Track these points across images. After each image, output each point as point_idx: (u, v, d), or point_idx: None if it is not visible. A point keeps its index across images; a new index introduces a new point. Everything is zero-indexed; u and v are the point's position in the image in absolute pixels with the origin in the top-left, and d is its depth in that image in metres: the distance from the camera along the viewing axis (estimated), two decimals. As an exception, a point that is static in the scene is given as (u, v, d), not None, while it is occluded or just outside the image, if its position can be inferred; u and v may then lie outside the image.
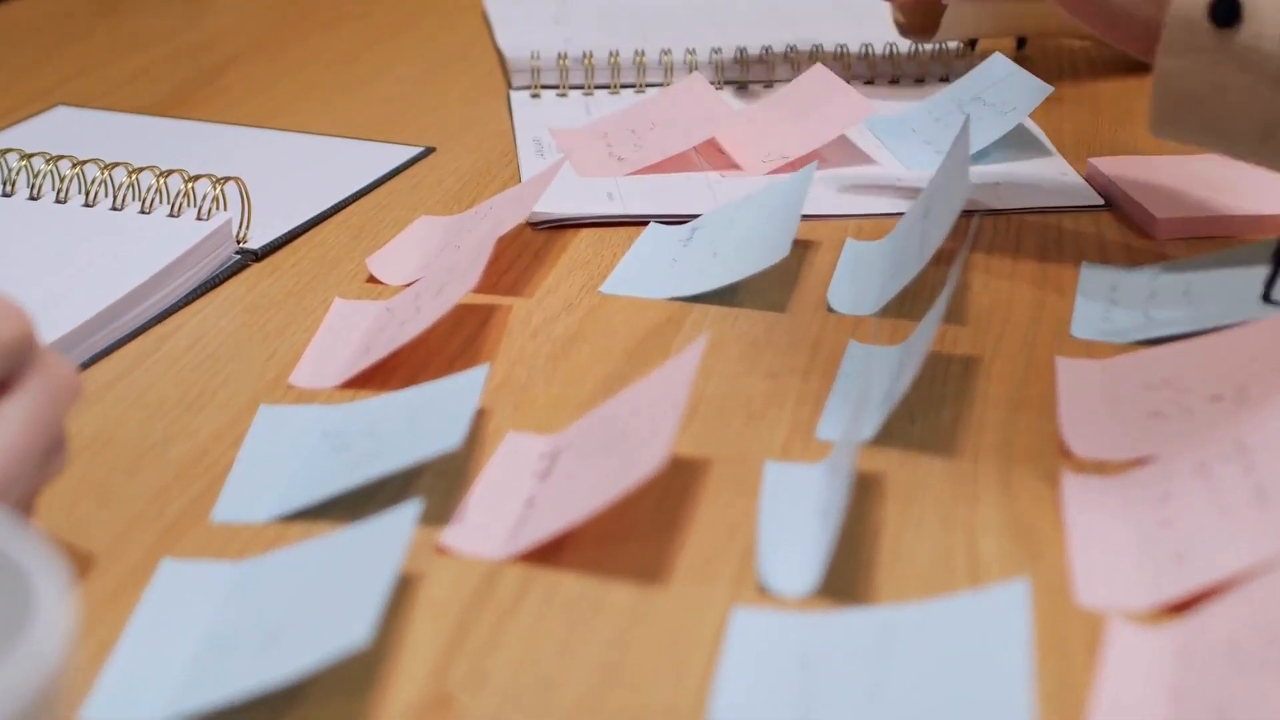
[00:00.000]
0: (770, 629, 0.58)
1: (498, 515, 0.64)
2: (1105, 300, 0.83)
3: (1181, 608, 0.58)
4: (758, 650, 0.57)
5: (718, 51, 1.15)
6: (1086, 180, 0.97)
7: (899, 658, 0.55)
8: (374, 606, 0.53)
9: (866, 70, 1.15)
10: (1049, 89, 0.99)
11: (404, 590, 0.60)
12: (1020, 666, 0.54)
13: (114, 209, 0.88)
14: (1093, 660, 0.56)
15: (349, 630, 0.52)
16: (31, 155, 0.92)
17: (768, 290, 0.84)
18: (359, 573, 0.56)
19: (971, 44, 1.18)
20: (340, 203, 0.95)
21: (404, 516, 0.59)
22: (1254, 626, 0.54)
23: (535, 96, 1.14)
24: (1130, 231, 0.91)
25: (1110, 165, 0.97)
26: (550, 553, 0.62)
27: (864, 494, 0.66)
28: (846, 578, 0.60)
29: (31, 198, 0.90)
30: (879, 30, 1.20)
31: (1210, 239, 0.89)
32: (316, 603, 0.56)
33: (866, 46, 1.16)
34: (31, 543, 0.37)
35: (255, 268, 0.87)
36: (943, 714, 0.52)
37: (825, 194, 0.95)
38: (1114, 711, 0.53)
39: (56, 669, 0.34)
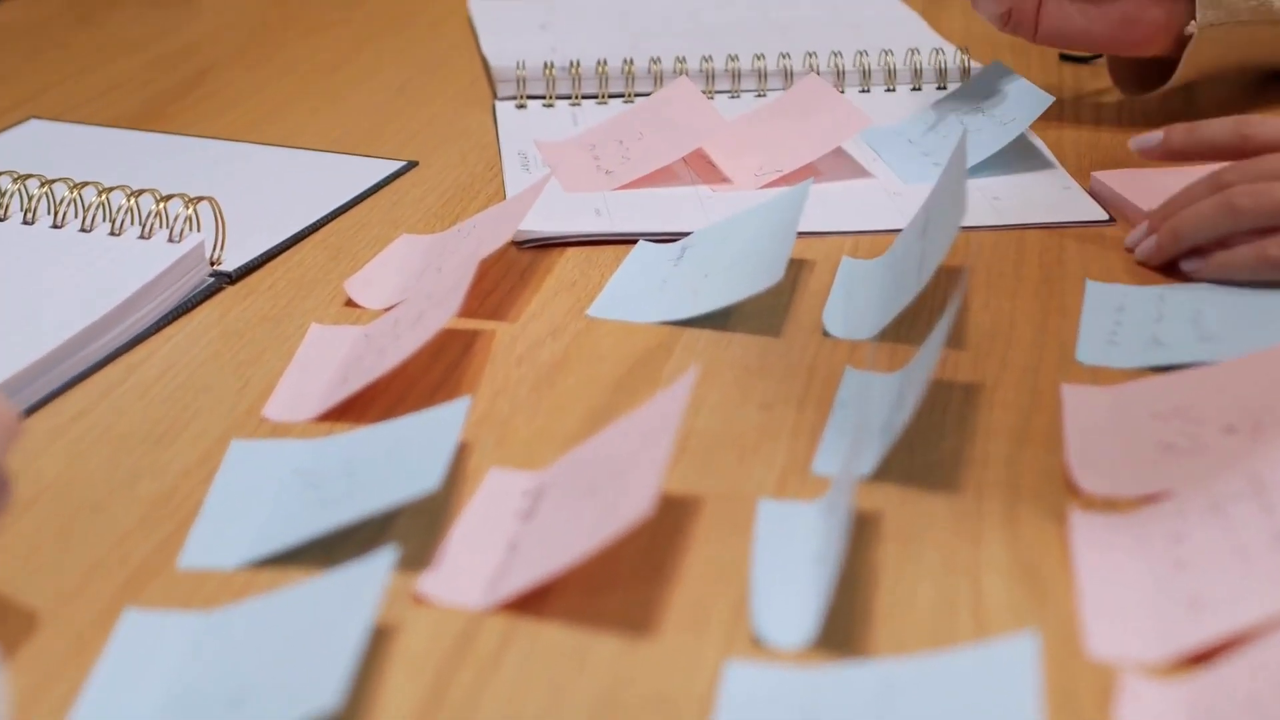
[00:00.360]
0: (765, 684, 0.55)
1: (478, 560, 0.61)
2: (1111, 321, 0.80)
3: (1198, 660, 0.55)
4: (752, 707, 0.54)
5: (708, 60, 1.12)
6: (1090, 194, 0.94)
7: (901, 713, 0.52)
8: (344, 668, 0.50)
9: (861, 79, 1.12)
10: (1050, 99, 0.97)
11: (379, 642, 0.57)
12: (1029, 725, 0.51)
13: (83, 230, 0.85)
14: (1105, 717, 0.53)
15: (318, 693, 0.50)
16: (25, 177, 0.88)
17: (761, 313, 0.81)
18: (330, 627, 0.53)
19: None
20: (319, 221, 0.92)
21: (378, 566, 0.56)
22: (1277, 682, 0.51)
23: (521, 107, 1.11)
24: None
25: (1116, 179, 0.94)
26: (533, 601, 0.59)
27: (862, 534, 0.63)
28: (845, 627, 0.57)
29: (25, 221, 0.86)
30: (874, 37, 1.17)
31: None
32: (285, 661, 0.53)
33: (861, 54, 1.13)
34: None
35: (230, 290, 0.84)
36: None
37: (820, 209, 0.92)
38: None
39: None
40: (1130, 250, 0.86)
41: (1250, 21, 0.97)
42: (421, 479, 0.61)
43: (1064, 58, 1.19)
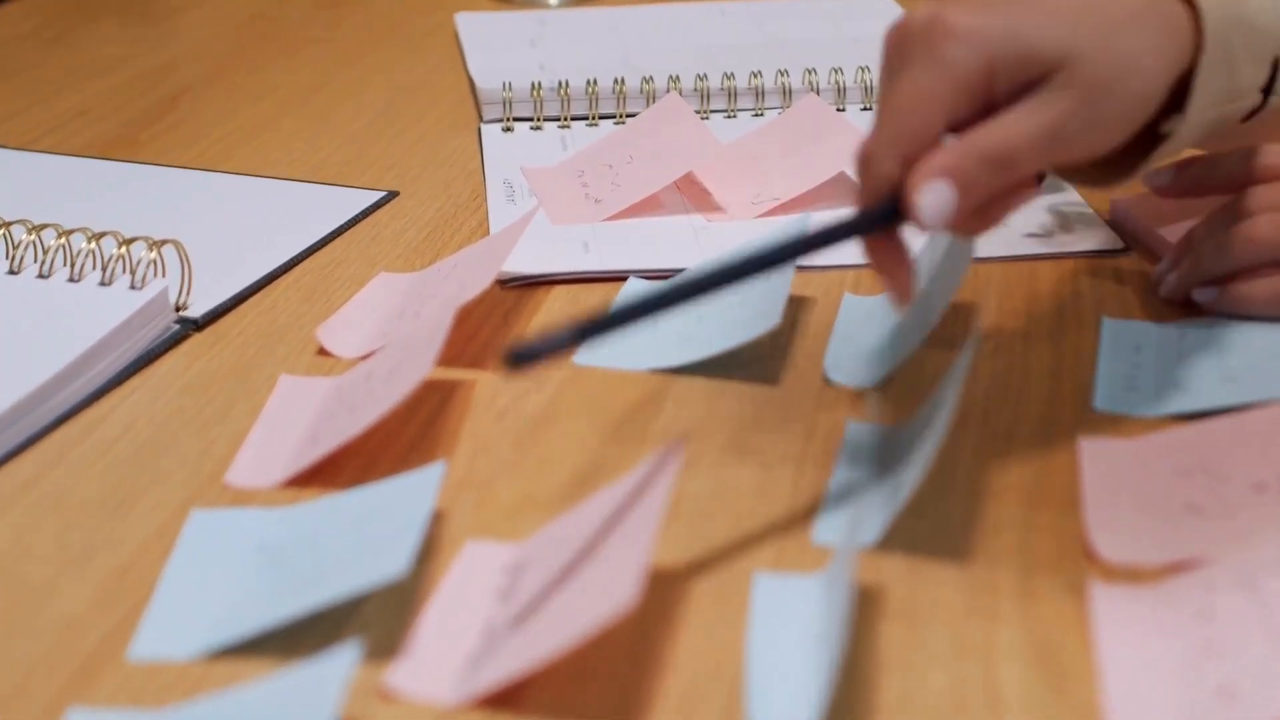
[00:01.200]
0: (761, 791, 0.50)
1: (452, 648, 0.57)
2: (1129, 364, 0.75)
3: (1231, 758, 0.51)
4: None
5: (703, 79, 1.07)
6: (1108, 221, 0.89)
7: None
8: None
9: (863, 96, 1.08)
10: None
11: (342, 747, 0.52)
12: None
13: (41, 276, 0.81)
14: (1133, 825, 0.49)
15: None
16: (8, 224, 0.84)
17: (757, 359, 0.76)
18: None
19: None
20: (292, 259, 0.87)
21: (339, 664, 0.51)
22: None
23: (508, 130, 1.06)
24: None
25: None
26: (510, 695, 0.54)
27: (866, 613, 0.58)
28: (848, 722, 0.53)
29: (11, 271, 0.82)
30: (877, 52, 1.12)
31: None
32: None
33: (863, 70, 1.08)
34: None
35: (196, 338, 0.80)
36: None
37: (820, 240, 0.87)
38: None
39: None
40: (1155, 285, 0.81)
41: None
42: (389, 563, 0.57)
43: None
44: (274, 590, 0.59)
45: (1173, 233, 0.84)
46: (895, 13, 1.25)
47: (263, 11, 1.38)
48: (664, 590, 0.60)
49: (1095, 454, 0.68)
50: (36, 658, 0.57)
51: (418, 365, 0.69)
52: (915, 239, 0.64)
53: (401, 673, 0.55)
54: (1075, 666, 0.55)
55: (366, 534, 0.60)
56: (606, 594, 0.53)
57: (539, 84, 1.07)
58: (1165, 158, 0.67)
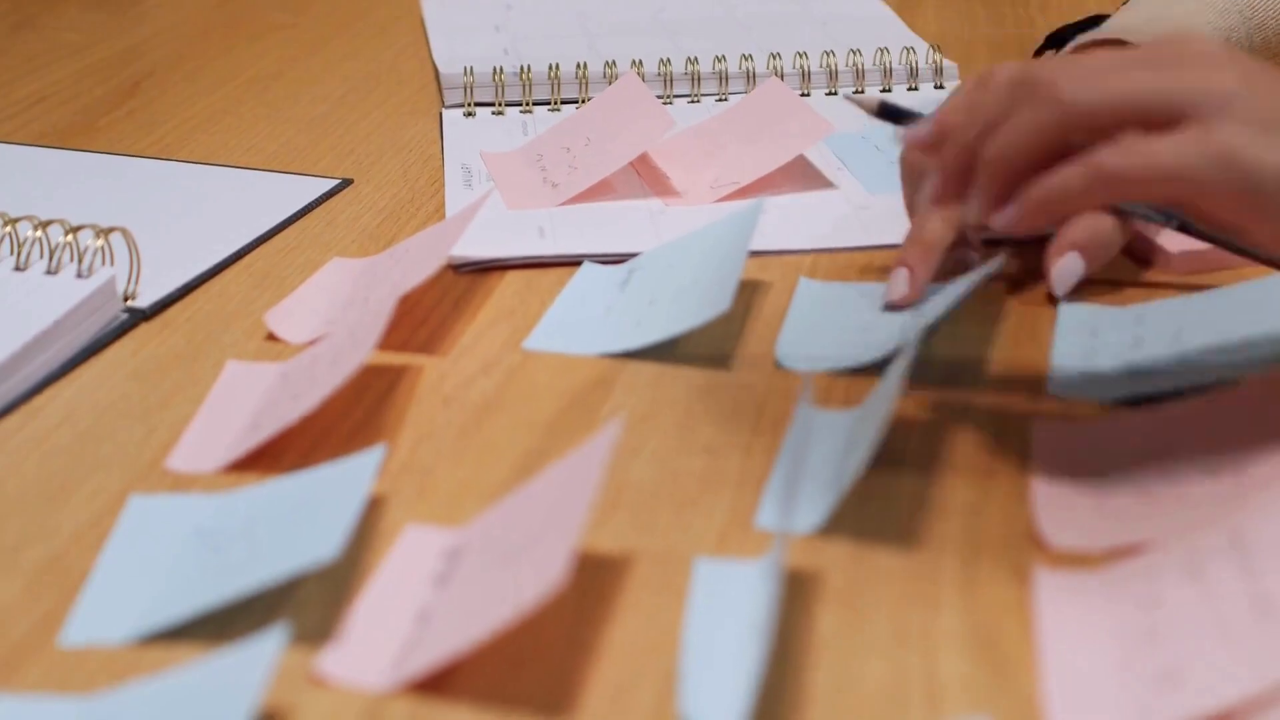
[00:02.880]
0: (692, 779, 0.49)
1: (385, 633, 0.56)
2: (1085, 347, 0.74)
3: (1173, 744, 0.50)
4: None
5: (667, 63, 1.06)
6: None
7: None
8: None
9: (828, 80, 1.07)
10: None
11: (269, 737, 0.51)
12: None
13: (-13, 264, 0.80)
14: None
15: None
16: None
17: (709, 342, 0.75)
18: (214, 714, 0.48)
19: None
20: (244, 247, 0.86)
21: (266, 648, 0.50)
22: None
23: (469, 115, 1.05)
24: (1111, 267, 0.82)
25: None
26: (442, 681, 0.53)
27: (805, 599, 0.57)
28: (780, 710, 0.52)
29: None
30: (843, 35, 1.11)
31: (1211, 273, 0.81)
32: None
33: (828, 54, 1.07)
34: None
35: (144, 326, 0.79)
36: None
37: (777, 225, 0.86)
38: None
39: None
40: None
41: None
42: (321, 545, 0.56)
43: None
44: (209, 575, 0.58)
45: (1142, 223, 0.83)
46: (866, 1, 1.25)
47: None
48: (603, 577, 0.59)
49: (1047, 437, 0.67)
50: (-36, 645, 0.56)
51: (358, 350, 0.68)
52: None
53: (332, 658, 0.55)
54: (1016, 654, 0.54)
55: (302, 518, 0.60)
56: (537, 576, 0.52)
57: (501, 69, 1.06)
58: None
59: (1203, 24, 0.86)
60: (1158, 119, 0.58)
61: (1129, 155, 0.58)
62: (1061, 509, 0.62)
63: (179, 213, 0.90)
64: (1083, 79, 0.59)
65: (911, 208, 0.80)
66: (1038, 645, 0.55)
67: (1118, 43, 0.83)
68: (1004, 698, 0.52)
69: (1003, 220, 0.61)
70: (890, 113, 0.73)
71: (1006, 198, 0.61)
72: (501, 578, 0.55)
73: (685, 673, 0.54)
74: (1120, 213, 0.76)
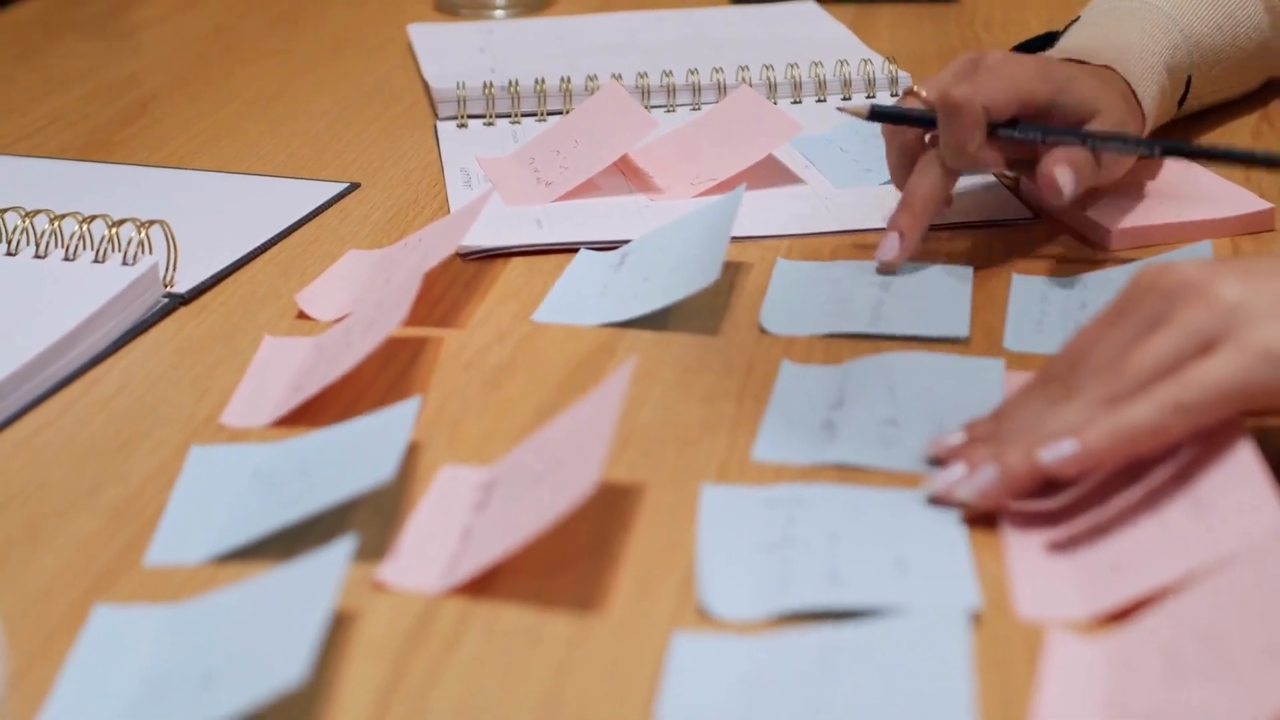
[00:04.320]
0: (711, 653, 0.57)
1: (434, 549, 0.64)
2: (1037, 311, 0.83)
3: (1119, 617, 0.58)
4: (699, 674, 0.56)
5: (644, 76, 1.15)
6: (1021, 194, 0.97)
7: (842, 678, 0.55)
8: (308, 645, 0.53)
9: (793, 91, 1.16)
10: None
11: (340, 628, 0.59)
12: (962, 683, 0.53)
13: (38, 257, 0.87)
14: (1033, 672, 0.56)
15: (284, 669, 0.52)
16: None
17: (699, 313, 0.84)
18: (294, 612, 0.56)
19: None
20: (268, 241, 0.94)
21: (338, 554, 0.58)
22: (1191, 634, 0.54)
23: (462, 126, 1.13)
24: (1059, 245, 0.91)
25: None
26: (487, 584, 0.61)
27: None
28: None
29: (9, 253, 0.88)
30: (806, 51, 1.20)
31: (1149, 247, 0.89)
32: (252, 643, 0.55)
33: (792, 66, 1.16)
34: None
35: (183, 310, 0.87)
36: (888, 731, 0.52)
37: (755, 215, 0.95)
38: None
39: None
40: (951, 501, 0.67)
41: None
42: (376, 471, 0.64)
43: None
44: (271, 506, 0.66)
45: (1083, 202, 0.92)
46: (821, 17, 1.34)
47: (221, 27, 1.45)
48: (621, 501, 0.67)
49: (1012, 382, 0.75)
50: (57, 570, 0.64)
51: (390, 318, 0.76)
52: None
53: (389, 569, 0.62)
54: (986, 549, 0.63)
55: (353, 454, 0.67)
56: (569, 485, 0.60)
57: (491, 83, 1.14)
58: None
59: (1149, 43, 0.95)
60: (1194, 358, 0.63)
61: (1193, 388, 0.62)
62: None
63: (203, 213, 0.98)
64: (1119, 370, 0.64)
65: (897, 175, 0.90)
66: (1004, 541, 0.63)
67: (1079, 62, 0.92)
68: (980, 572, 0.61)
69: (1062, 453, 0.63)
70: (881, 115, 0.86)
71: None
72: (535, 493, 0.63)
73: (701, 573, 0.62)
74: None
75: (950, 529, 0.64)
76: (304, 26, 1.44)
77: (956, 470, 0.65)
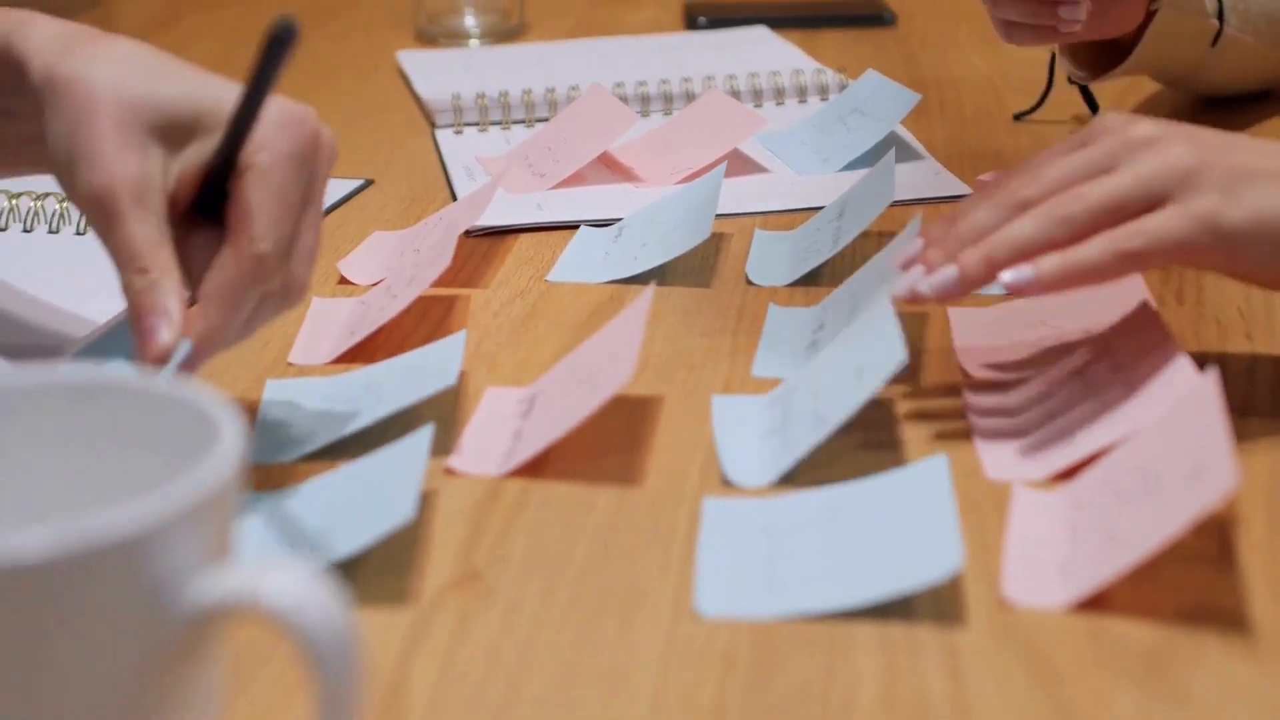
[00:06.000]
0: (736, 511, 0.69)
1: (491, 445, 0.75)
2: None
3: (1070, 475, 0.71)
4: (727, 525, 0.68)
5: (620, 86, 1.28)
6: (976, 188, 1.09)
7: (847, 519, 0.67)
8: (413, 491, 0.64)
9: (754, 97, 1.29)
10: (917, 96, 1.13)
11: (423, 503, 0.70)
12: (949, 517, 0.65)
13: (78, 234, 0.99)
14: (1003, 518, 0.68)
15: (397, 511, 0.63)
16: (18, 195, 1.01)
17: (691, 272, 0.96)
18: (394, 474, 0.67)
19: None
20: (299, 225, 1.06)
21: (422, 434, 0.70)
22: (1130, 473, 0.66)
23: (459, 133, 1.26)
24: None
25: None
26: (540, 469, 0.73)
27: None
28: (793, 471, 0.72)
29: (25, 230, 0.99)
30: (762, 62, 1.33)
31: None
32: (362, 500, 0.67)
33: (753, 75, 1.29)
34: (213, 397, 0.48)
35: (234, 279, 0.98)
36: (889, 555, 0.64)
37: (730, 197, 1.07)
38: (1024, 546, 0.66)
39: (235, 469, 0.45)
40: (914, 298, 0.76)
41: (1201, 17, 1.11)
42: (440, 378, 0.76)
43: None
44: (346, 416, 0.77)
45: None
46: (772, 40, 1.47)
47: (208, 55, 1.56)
48: (644, 409, 0.79)
49: (961, 317, 0.88)
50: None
51: (434, 266, 0.88)
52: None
53: (456, 459, 0.74)
54: (957, 436, 0.75)
55: (413, 372, 0.79)
56: (611, 376, 0.72)
57: (484, 94, 1.26)
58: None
59: None
60: (1142, 206, 0.73)
61: (1137, 237, 0.72)
62: (978, 353, 0.83)
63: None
64: (1073, 195, 0.73)
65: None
66: (971, 427, 0.76)
67: None
68: (949, 452, 0.73)
69: (1021, 278, 0.73)
70: None
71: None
72: (577, 392, 0.75)
73: (721, 454, 0.74)
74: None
75: (925, 418, 0.76)
76: (294, 58, 1.55)
77: (917, 271, 0.75)
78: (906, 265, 0.77)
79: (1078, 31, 1.03)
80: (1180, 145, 0.74)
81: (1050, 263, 0.73)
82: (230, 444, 0.45)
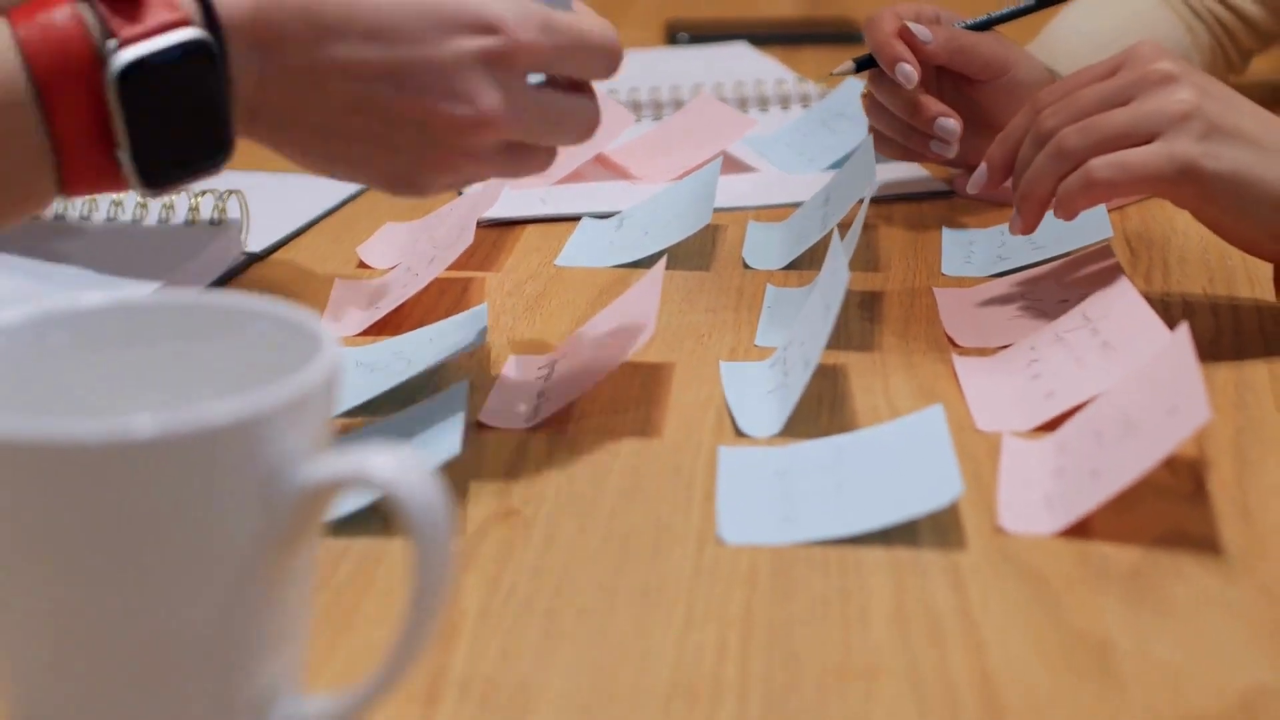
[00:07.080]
0: (749, 458, 0.75)
1: (518, 404, 0.81)
2: (965, 250, 1.02)
3: (1054, 426, 0.77)
4: (743, 468, 0.74)
5: (614, 93, 1.34)
6: (952, 185, 1.15)
7: (853, 460, 0.73)
8: (458, 429, 0.70)
9: (740, 105, 1.35)
10: (899, 101, 1.20)
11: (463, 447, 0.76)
12: (946, 450, 0.71)
13: (133, 221, 1.04)
14: (995, 463, 0.74)
15: (442, 448, 0.69)
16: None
17: (691, 257, 1.02)
18: (438, 419, 0.73)
19: None
20: (316, 217, 1.11)
21: (459, 386, 0.76)
22: (1110, 419, 0.73)
23: (458, 138, 1.31)
24: (983, 214, 1.10)
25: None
26: (565, 423, 0.79)
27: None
28: (800, 421, 0.78)
29: (82, 217, 1.05)
30: (747, 74, 1.40)
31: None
32: (410, 441, 0.73)
33: (739, 84, 1.35)
34: (310, 315, 0.54)
35: (258, 266, 1.03)
36: (895, 487, 0.70)
37: (723, 194, 1.13)
38: (1014, 485, 0.72)
39: (334, 373, 0.51)
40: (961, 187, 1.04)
41: None
42: (466, 339, 0.82)
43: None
44: (380, 377, 0.83)
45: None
46: (753, 55, 1.54)
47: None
48: (657, 373, 0.85)
49: (946, 296, 0.94)
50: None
51: (458, 243, 0.93)
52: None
53: (487, 413, 0.80)
54: (949, 395, 0.81)
55: (441, 335, 0.85)
56: (632, 334, 0.78)
57: (481, 100, 1.32)
58: None
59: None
60: (1137, 139, 0.81)
61: (1113, 168, 0.81)
62: (964, 326, 0.89)
63: (251, 201, 1.15)
64: (1081, 132, 0.82)
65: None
66: (962, 388, 0.82)
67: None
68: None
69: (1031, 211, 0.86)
70: (866, 62, 1.06)
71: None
72: (598, 354, 0.81)
73: (733, 410, 0.80)
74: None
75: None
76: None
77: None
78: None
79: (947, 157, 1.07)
80: (1187, 90, 0.81)
81: (1069, 181, 0.83)
82: (329, 352, 0.51)
